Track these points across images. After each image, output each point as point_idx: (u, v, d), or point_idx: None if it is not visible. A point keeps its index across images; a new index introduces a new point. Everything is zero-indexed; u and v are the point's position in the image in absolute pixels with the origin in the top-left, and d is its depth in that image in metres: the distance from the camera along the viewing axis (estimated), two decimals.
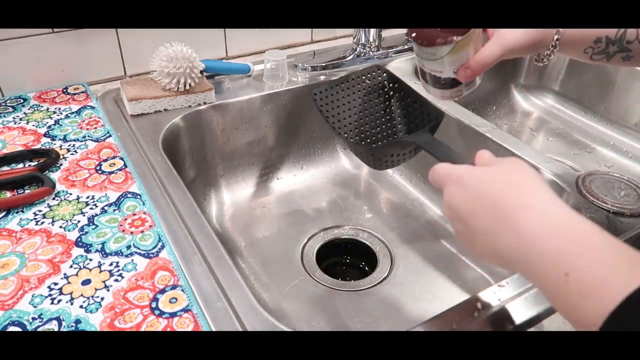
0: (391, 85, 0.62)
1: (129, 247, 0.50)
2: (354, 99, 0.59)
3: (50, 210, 0.55)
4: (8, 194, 0.57)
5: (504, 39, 0.49)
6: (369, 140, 0.58)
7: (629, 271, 0.27)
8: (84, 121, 0.72)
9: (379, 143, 0.56)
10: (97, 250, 0.50)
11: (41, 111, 0.74)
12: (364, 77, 0.65)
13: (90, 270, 0.48)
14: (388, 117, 0.56)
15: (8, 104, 0.75)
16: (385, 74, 0.65)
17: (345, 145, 0.58)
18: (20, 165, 0.62)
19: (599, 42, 0.49)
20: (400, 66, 0.91)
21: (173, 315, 0.43)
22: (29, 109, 0.74)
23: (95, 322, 0.43)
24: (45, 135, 0.68)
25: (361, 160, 0.58)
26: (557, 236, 0.30)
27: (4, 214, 0.54)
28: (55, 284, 0.46)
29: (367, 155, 0.55)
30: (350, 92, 0.62)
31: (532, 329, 0.45)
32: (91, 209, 0.55)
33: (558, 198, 0.32)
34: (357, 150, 0.56)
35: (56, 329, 0.42)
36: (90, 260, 0.49)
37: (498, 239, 0.33)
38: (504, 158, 0.38)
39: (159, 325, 0.42)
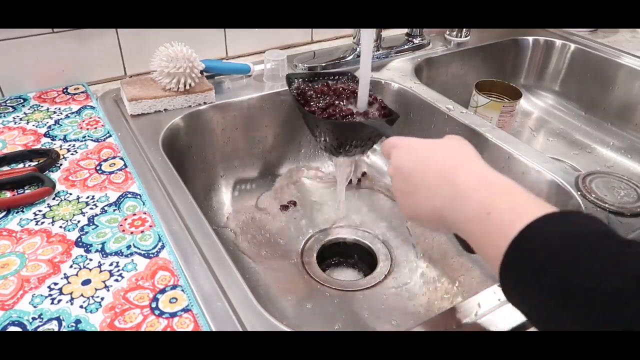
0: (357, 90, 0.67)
1: (129, 247, 0.50)
2: (323, 92, 0.65)
3: (50, 210, 0.55)
4: (8, 194, 0.57)
5: None
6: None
7: (536, 210, 0.33)
8: (84, 121, 0.72)
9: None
10: (97, 250, 0.50)
11: (41, 111, 0.74)
12: (336, 77, 0.70)
13: (90, 270, 0.48)
14: (350, 112, 0.61)
15: (8, 104, 0.75)
16: (354, 81, 0.70)
17: (310, 122, 0.62)
18: (20, 165, 0.62)
19: None
20: (400, 66, 0.91)
21: (173, 315, 0.43)
22: (29, 109, 0.74)
23: (95, 322, 0.43)
24: (45, 135, 0.68)
25: (323, 146, 0.62)
26: (486, 188, 0.37)
27: (4, 214, 0.54)
28: (55, 284, 0.46)
29: (328, 133, 0.58)
30: (321, 84, 0.69)
31: (532, 329, 0.45)
32: (91, 209, 0.55)
33: (489, 166, 0.40)
34: (320, 129, 0.59)
35: (56, 329, 0.42)
36: (90, 260, 0.49)
37: (438, 193, 0.40)
38: (448, 135, 0.45)
39: (159, 325, 0.42)
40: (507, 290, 0.34)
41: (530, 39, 1.06)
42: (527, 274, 0.32)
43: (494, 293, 0.47)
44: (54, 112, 0.74)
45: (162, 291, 0.46)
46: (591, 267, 0.29)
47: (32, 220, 0.54)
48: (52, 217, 0.54)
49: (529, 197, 0.35)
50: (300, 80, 0.69)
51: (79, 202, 0.56)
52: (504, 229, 0.33)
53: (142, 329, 0.42)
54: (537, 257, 0.31)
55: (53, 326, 0.42)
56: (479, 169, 0.39)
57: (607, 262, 0.29)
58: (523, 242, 0.32)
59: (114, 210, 0.55)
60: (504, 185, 0.37)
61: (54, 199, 0.57)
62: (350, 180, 0.88)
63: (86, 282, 0.46)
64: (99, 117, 0.73)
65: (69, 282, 0.46)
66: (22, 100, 0.76)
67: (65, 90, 0.79)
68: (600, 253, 0.30)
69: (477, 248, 0.37)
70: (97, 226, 0.53)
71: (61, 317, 0.43)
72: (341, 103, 0.62)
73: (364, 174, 0.89)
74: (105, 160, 0.63)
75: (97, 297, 0.45)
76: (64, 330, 0.42)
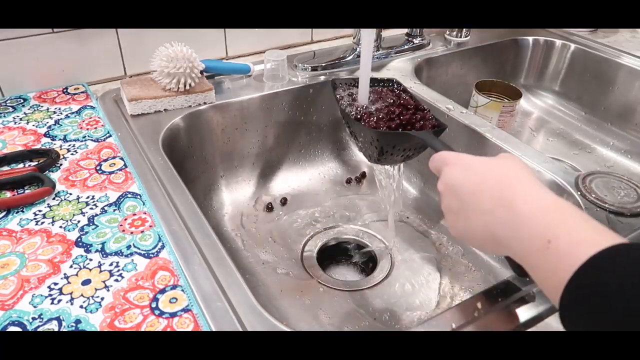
0: (403, 96, 0.65)
1: (129, 247, 0.50)
2: (368, 98, 0.63)
3: (50, 210, 0.55)
4: (8, 194, 0.57)
5: None
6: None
7: (599, 239, 0.32)
8: (84, 121, 0.72)
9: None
10: (97, 250, 0.50)
11: (41, 111, 0.74)
12: (382, 84, 0.68)
13: (90, 270, 0.48)
14: (395, 118, 0.59)
15: (8, 104, 0.75)
16: (400, 87, 0.68)
17: (354, 128, 0.60)
18: (20, 165, 0.62)
19: None
20: (400, 66, 0.91)
21: (173, 315, 0.43)
22: (29, 109, 0.74)
23: (95, 322, 0.43)
24: (45, 135, 0.68)
25: (364, 152, 0.60)
26: (545, 214, 0.35)
27: (4, 214, 0.54)
28: (55, 284, 0.46)
29: (372, 141, 0.56)
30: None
31: (532, 329, 0.45)
32: (91, 209, 0.55)
33: (547, 189, 0.38)
34: (364, 136, 0.58)
35: (56, 329, 0.42)
36: (90, 260, 0.49)
37: (494, 218, 0.38)
38: (502, 154, 0.43)
39: (159, 325, 0.42)
40: (568, 323, 0.33)
41: (530, 39, 1.06)
42: (592, 307, 0.30)
43: (494, 293, 0.47)
44: (54, 112, 0.74)
45: (162, 291, 0.46)
46: None
47: (32, 220, 0.54)
48: (52, 217, 0.54)
49: (593, 223, 0.34)
50: (345, 85, 0.67)
51: (79, 202, 0.56)
52: (566, 259, 0.32)
53: (142, 329, 0.42)
54: (604, 290, 0.30)
55: (53, 326, 0.42)
56: (537, 192, 0.38)
57: None
58: (589, 273, 0.31)
59: (114, 210, 0.55)
60: (565, 210, 0.35)
61: (54, 199, 0.57)
62: (350, 179, 0.89)
63: (86, 282, 0.46)
64: (99, 117, 0.73)
65: (69, 282, 0.46)
66: (22, 100, 0.76)
67: (65, 90, 0.79)
68: None
69: (535, 277, 0.36)
70: (97, 226, 0.53)
71: (61, 317, 0.43)
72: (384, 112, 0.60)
73: (363, 174, 0.89)
74: (105, 160, 0.63)
75: (97, 297, 0.45)
76: (64, 330, 0.42)
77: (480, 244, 0.41)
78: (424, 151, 0.57)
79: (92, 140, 0.68)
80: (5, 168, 0.62)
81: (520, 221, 0.36)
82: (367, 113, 0.60)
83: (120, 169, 0.62)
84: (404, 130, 0.56)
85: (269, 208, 0.82)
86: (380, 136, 0.55)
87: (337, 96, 0.65)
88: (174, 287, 0.46)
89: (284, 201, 0.83)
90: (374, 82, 0.68)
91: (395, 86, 0.68)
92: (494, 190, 0.39)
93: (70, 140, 0.67)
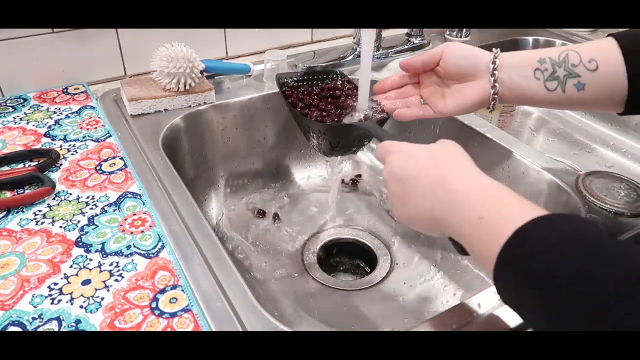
0: (347, 87, 0.66)
1: (129, 247, 0.50)
2: (313, 93, 0.65)
3: (50, 210, 0.55)
4: (8, 194, 0.57)
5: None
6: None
7: (527, 213, 0.34)
8: (84, 121, 0.72)
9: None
10: (97, 250, 0.50)
11: (41, 111, 0.74)
12: (323, 76, 0.68)
13: (90, 270, 0.48)
14: (340, 112, 0.61)
15: (8, 104, 0.75)
16: (344, 77, 0.68)
17: (302, 123, 0.63)
18: (20, 165, 0.62)
19: (544, 63, 0.50)
20: None
21: (173, 315, 0.43)
22: (29, 109, 0.74)
23: (95, 322, 0.43)
24: (45, 135, 0.68)
25: (316, 146, 0.62)
26: (478, 193, 0.38)
27: (4, 214, 0.54)
28: (55, 284, 0.46)
29: (320, 135, 0.59)
30: (311, 85, 0.67)
31: (532, 329, 0.45)
32: (91, 209, 0.55)
33: (481, 172, 0.41)
34: (312, 130, 0.60)
35: (56, 329, 0.42)
36: (90, 260, 0.49)
37: (432, 198, 0.41)
38: (440, 140, 0.45)
39: (159, 325, 0.42)
40: (501, 290, 0.35)
41: (530, 39, 1.06)
42: (519, 274, 0.33)
43: (494, 293, 0.47)
44: (54, 112, 0.74)
45: (162, 291, 0.46)
46: (581, 269, 0.30)
47: (32, 220, 0.54)
48: (52, 217, 0.54)
49: (519, 201, 0.37)
50: (291, 80, 0.67)
51: (79, 202, 0.56)
52: (496, 233, 0.34)
53: (142, 329, 0.42)
54: (529, 258, 0.32)
55: (53, 326, 0.42)
56: (472, 174, 0.41)
57: (597, 264, 0.30)
58: (515, 244, 0.33)
59: (114, 210, 0.55)
60: (496, 190, 0.38)
61: (54, 199, 0.57)
62: (343, 180, 0.88)
63: (86, 282, 0.46)
64: (99, 117, 0.73)
65: (69, 282, 0.46)
66: (22, 100, 0.76)
67: (65, 90, 0.80)
68: (589, 254, 0.30)
69: (472, 251, 0.38)
70: (97, 226, 0.53)
71: (61, 317, 0.43)
72: (331, 104, 0.62)
73: (359, 175, 0.89)
74: (105, 160, 0.63)
75: (97, 297, 0.45)
76: (64, 330, 0.42)
77: (422, 225, 0.43)
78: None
79: (92, 140, 0.68)
80: (5, 168, 0.62)
81: (455, 200, 0.39)
82: (314, 107, 0.61)
83: (120, 169, 0.62)
84: (348, 122, 0.58)
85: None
86: (327, 129, 0.58)
87: (286, 91, 0.65)
88: (174, 287, 0.46)
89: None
90: (319, 74, 0.68)
91: (340, 77, 0.68)
92: (432, 174, 0.41)
93: (70, 140, 0.67)
